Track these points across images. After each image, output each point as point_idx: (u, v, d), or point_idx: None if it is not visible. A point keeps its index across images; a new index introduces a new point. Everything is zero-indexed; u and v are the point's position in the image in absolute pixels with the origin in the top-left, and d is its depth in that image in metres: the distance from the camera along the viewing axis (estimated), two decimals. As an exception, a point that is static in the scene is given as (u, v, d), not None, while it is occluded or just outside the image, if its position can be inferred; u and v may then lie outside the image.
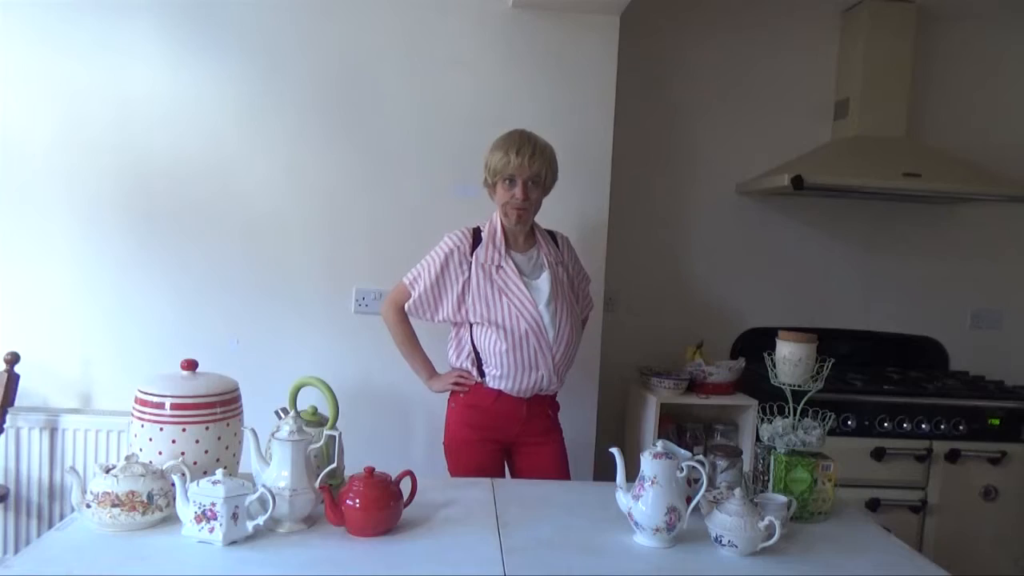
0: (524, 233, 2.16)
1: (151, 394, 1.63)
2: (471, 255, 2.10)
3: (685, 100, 3.18)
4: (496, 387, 2.12)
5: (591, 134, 2.69)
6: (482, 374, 2.14)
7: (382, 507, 1.51)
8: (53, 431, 2.58)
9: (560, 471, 2.19)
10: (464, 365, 2.16)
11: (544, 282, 2.12)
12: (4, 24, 2.54)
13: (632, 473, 1.57)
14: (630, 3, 2.57)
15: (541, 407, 2.18)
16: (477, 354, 2.13)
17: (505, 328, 2.06)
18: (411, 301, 2.14)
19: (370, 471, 1.54)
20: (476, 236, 2.13)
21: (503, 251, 2.11)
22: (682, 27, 3.15)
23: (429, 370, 2.24)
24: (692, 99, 3.18)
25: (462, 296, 2.10)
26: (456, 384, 2.16)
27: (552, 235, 2.26)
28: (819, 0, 3.18)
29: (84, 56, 2.56)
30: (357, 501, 1.49)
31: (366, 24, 2.63)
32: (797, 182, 2.71)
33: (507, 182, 2.07)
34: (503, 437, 2.17)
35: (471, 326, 2.12)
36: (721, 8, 3.16)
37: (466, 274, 2.09)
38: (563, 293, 2.14)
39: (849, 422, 2.76)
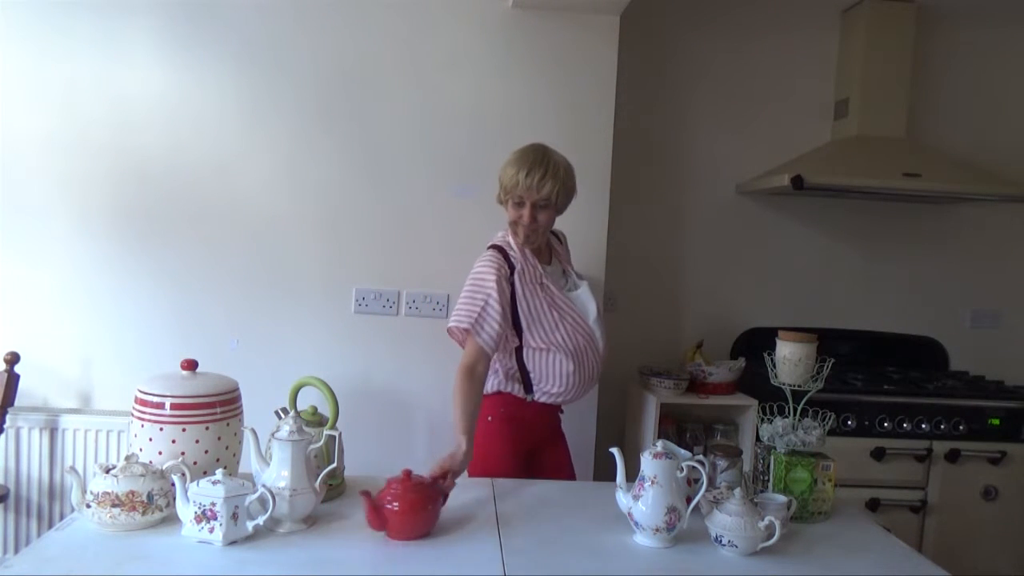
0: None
1: (151, 394, 1.63)
2: (512, 275, 1.97)
3: (685, 100, 3.18)
4: (546, 401, 2.06)
5: (591, 134, 2.68)
6: (527, 389, 2.07)
7: (420, 509, 1.50)
8: (53, 431, 2.58)
9: (572, 468, 2.22)
10: (503, 385, 2.06)
11: (585, 292, 2.06)
12: (2, 24, 2.54)
13: (632, 473, 1.57)
14: (630, 3, 2.57)
15: (556, 410, 2.19)
16: (524, 373, 2.05)
17: (568, 349, 1.99)
18: (487, 345, 1.90)
19: (407, 474, 1.54)
20: (503, 253, 1.99)
21: (537, 265, 2.00)
22: (682, 27, 3.15)
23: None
24: (692, 99, 3.18)
25: (513, 317, 1.97)
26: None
27: (555, 235, 2.23)
28: (819, 0, 3.18)
29: (82, 56, 2.56)
30: (396, 504, 1.48)
31: (366, 24, 2.63)
32: (797, 182, 2.71)
33: (516, 203, 1.96)
34: (532, 444, 2.14)
35: (519, 349, 2.02)
36: (721, 8, 3.16)
37: (509, 295, 1.96)
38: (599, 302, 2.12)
39: (849, 422, 2.76)
